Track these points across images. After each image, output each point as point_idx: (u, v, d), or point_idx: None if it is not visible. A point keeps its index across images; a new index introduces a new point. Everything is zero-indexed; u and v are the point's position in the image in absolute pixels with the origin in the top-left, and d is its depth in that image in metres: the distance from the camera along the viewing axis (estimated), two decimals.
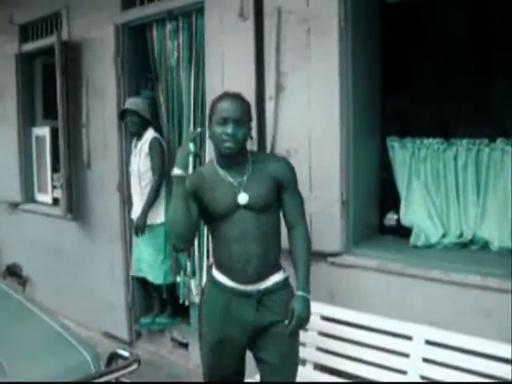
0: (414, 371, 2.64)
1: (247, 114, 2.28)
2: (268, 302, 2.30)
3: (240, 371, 2.45)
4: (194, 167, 2.23)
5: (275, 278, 2.33)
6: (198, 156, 2.40)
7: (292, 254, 2.36)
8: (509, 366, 2.37)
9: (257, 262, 2.25)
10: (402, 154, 3.31)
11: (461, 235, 3.12)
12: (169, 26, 3.99)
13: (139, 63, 4.23)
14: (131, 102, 4.01)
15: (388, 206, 3.47)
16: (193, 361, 3.91)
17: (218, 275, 2.34)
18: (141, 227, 3.92)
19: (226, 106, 2.21)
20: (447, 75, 4.22)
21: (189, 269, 4.07)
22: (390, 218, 3.46)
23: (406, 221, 3.29)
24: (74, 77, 4.52)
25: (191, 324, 4.06)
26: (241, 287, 2.29)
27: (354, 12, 2.96)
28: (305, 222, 2.40)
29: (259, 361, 2.37)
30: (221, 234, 2.29)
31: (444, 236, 3.15)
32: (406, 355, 2.68)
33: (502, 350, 2.41)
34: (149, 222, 3.94)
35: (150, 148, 3.92)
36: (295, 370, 2.41)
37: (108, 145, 4.26)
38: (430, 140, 3.19)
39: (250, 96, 3.17)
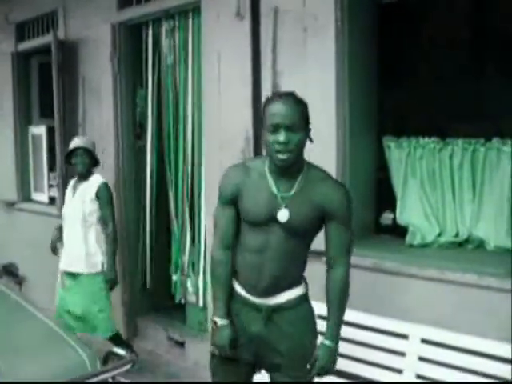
0: (410, 370, 2.65)
1: (303, 117, 2.01)
2: (278, 320, 2.15)
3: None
4: None
5: (289, 295, 2.16)
6: None
7: (327, 295, 2.17)
8: (505, 365, 2.39)
9: (270, 279, 2.11)
10: (398, 153, 3.32)
11: (456, 234, 3.13)
12: (165, 25, 3.99)
13: (136, 62, 4.22)
14: (82, 141, 3.73)
15: (384, 206, 3.48)
16: (189, 359, 3.92)
17: (235, 283, 2.21)
18: (115, 280, 3.67)
19: (276, 111, 1.95)
20: (443, 74, 4.22)
21: (185, 268, 4.08)
22: (386, 218, 3.47)
23: (402, 220, 3.30)
24: (70, 76, 4.52)
25: (187, 323, 4.07)
26: (251, 298, 2.16)
27: (350, 12, 2.97)
28: (347, 263, 2.17)
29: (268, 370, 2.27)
30: (245, 241, 2.15)
31: (440, 235, 3.16)
32: (402, 354, 2.69)
33: (499, 348, 2.42)
34: (86, 270, 3.60)
35: (100, 194, 3.65)
36: None
37: (104, 143, 4.25)
38: (426, 139, 3.20)
39: (247, 95, 3.20)
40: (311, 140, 2.08)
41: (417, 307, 2.77)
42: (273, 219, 2.05)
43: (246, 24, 3.21)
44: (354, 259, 2.98)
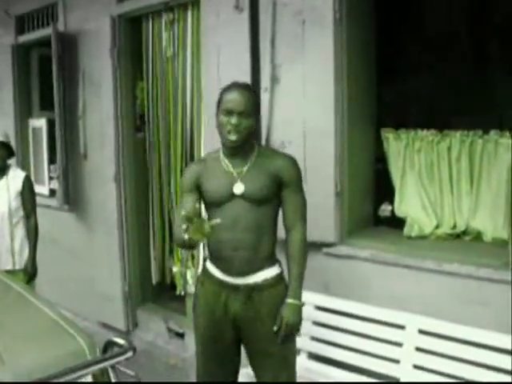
0: (407, 360, 2.67)
1: (254, 106, 2.26)
2: (257, 299, 2.26)
3: (234, 366, 2.42)
4: None
5: (266, 274, 2.29)
6: None
7: (287, 257, 2.31)
8: (503, 355, 2.41)
9: (245, 251, 2.23)
10: (397, 145, 3.33)
11: (454, 226, 3.15)
12: (164, 18, 4.00)
13: (136, 55, 4.22)
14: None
15: (382, 197, 3.50)
16: (189, 350, 3.94)
17: (210, 266, 2.34)
18: (34, 273, 3.65)
19: (231, 97, 2.21)
20: (442, 65, 4.23)
21: (185, 259, 4.11)
22: (384, 209, 3.48)
23: (400, 212, 3.32)
24: (70, 68, 4.52)
25: (187, 314, 4.10)
26: (229, 279, 2.27)
27: (348, 4, 2.97)
28: (303, 225, 2.33)
29: (251, 356, 2.35)
30: None
31: (437, 227, 3.18)
32: (399, 344, 2.71)
33: (497, 339, 2.45)
34: (18, 267, 3.57)
35: (24, 188, 3.64)
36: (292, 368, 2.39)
37: (104, 136, 4.27)
38: (425, 132, 3.21)
39: None
40: (255, 128, 2.33)
41: (414, 298, 2.80)
42: (231, 193, 2.24)
43: (245, 17, 3.21)
44: (352, 250, 3.06)
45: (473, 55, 4.45)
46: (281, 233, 2.33)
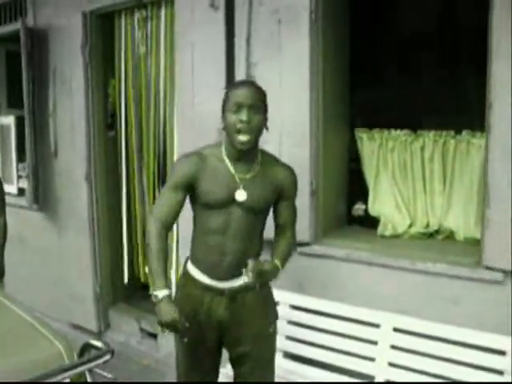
0: (382, 358, 2.70)
1: (263, 102, 2.13)
2: (240, 301, 2.22)
3: (215, 368, 2.39)
4: None
5: None
6: None
7: (277, 247, 2.28)
8: (476, 351, 2.47)
9: (233, 257, 2.16)
10: (370, 145, 3.37)
11: (427, 225, 3.19)
12: (137, 15, 3.95)
13: (107, 52, 4.16)
14: None
15: (356, 197, 3.53)
16: (162, 351, 3.91)
17: (193, 270, 2.25)
18: (2, 273, 3.51)
19: (240, 92, 2.08)
20: (412, 67, 4.29)
21: None
22: (358, 208, 3.52)
23: (373, 211, 3.36)
24: (40, 64, 4.41)
25: None
26: (213, 283, 2.20)
27: (324, 4, 2.98)
28: (294, 232, 2.36)
29: (233, 358, 2.33)
30: (204, 224, 2.19)
31: (411, 226, 3.22)
32: (374, 342, 2.74)
33: (469, 336, 2.50)
34: None
35: None
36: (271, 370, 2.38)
37: (76, 134, 4.19)
38: (398, 132, 3.25)
39: (220, 87, 3.18)
40: (267, 128, 2.18)
41: (389, 297, 2.82)
42: (232, 199, 2.14)
43: (221, 15, 3.19)
44: (326, 249, 3.07)
45: (445, 56, 4.52)
46: (267, 233, 2.30)
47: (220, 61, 3.23)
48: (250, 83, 2.23)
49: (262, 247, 2.30)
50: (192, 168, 2.15)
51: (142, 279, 4.36)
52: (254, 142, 2.12)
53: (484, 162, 2.58)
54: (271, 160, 2.26)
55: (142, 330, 4.09)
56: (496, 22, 2.40)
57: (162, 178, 4.01)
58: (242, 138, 2.06)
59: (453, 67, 3.99)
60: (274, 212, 2.30)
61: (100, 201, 4.21)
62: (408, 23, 4.14)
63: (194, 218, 2.26)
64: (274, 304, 2.41)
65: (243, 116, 2.04)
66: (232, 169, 2.15)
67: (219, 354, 2.37)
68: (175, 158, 3.75)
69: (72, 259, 4.34)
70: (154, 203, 4.07)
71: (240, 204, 2.14)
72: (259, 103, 2.10)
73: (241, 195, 2.14)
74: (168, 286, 2.06)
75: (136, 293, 4.45)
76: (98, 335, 4.22)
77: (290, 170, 2.28)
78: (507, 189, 2.42)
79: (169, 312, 2.00)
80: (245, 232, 2.18)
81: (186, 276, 2.29)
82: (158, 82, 3.90)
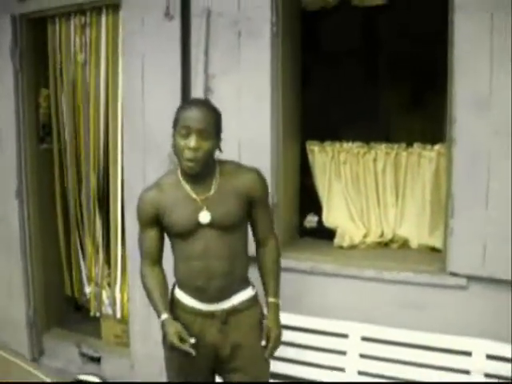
0: (352, 367, 2.75)
1: (215, 125, 2.03)
2: (233, 323, 2.15)
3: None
4: None
5: (242, 296, 2.19)
6: None
7: (263, 268, 2.26)
8: (444, 354, 2.57)
9: (220, 280, 2.09)
10: (322, 157, 3.41)
11: (381, 234, 3.29)
12: (74, 21, 3.74)
13: (39, 59, 3.90)
14: None
15: (307, 209, 3.56)
16: (106, 375, 3.70)
17: (180, 294, 2.18)
18: None
19: (189, 114, 1.98)
20: (342, 81, 4.45)
21: (99, 279, 3.86)
22: (311, 220, 3.55)
23: (328, 222, 3.40)
24: None
25: (103, 337, 3.85)
26: (203, 307, 2.13)
27: (283, 17, 2.99)
28: (275, 235, 2.30)
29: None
30: (182, 253, 2.12)
31: (365, 236, 3.29)
32: (343, 353, 2.78)
33: (435, 340, 2.61)
34: None
35: None
36: None
37: (4, 146, 3.88)
38: (350, 144, 3.32)
39: (176, 99, 3.10)
40: (220, 150, 2.11)
41: (355, 306, 2.86)
42: (198, 224, 2.06)
43: (176, 25, 3.09)
44: (289, 263, 3.05)
45: (371, 72, 4.75)
46: (251, 249, 2.27)
47: (175, 72, 3.13)
48: (201, 104, 2.08)
49: (249, 263, 2.25)
50: (153, 204, 2.10)
51: (79, 301, 4.12)
52: (204, 166, 2.03)
53: (447, 173, 2.70)
54: (232, 168, 2.15)
55: (82, 354, 3.83)
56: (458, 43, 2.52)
57: (104, 193, 3.81)
58: (190, 164, 1.99)
59: (377, 82, 4.18)
60: (251, 225, 2.24)
61: (32, 219, 3.91)
62: (340, 40, 4.29)
63: (172, 246, 2.19)
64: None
65: (191, 142, 1.96)
66: (191, 192, 2.08)
67: (213, 378, 2.31)
68: (119, 172, 3.59)
69: (2, 282, 4.00)
70: (94, 220, 3.87)
71: (210, 225, 2.06)
72: (210, 128, 1.99)
73: (204, 217, 2.06)
74: (168, 309, 2.07)
75: (75, 316, 4.18)
76: (32, 362, 3.91)
77: (255, 173, 2.16)
78: (471, 198, 2.54)
79: (172, 329, 2.00)
80: (226, 252, 2.09)
81: (174, 301, 2.20)
82: (98, 92, 3.71)
